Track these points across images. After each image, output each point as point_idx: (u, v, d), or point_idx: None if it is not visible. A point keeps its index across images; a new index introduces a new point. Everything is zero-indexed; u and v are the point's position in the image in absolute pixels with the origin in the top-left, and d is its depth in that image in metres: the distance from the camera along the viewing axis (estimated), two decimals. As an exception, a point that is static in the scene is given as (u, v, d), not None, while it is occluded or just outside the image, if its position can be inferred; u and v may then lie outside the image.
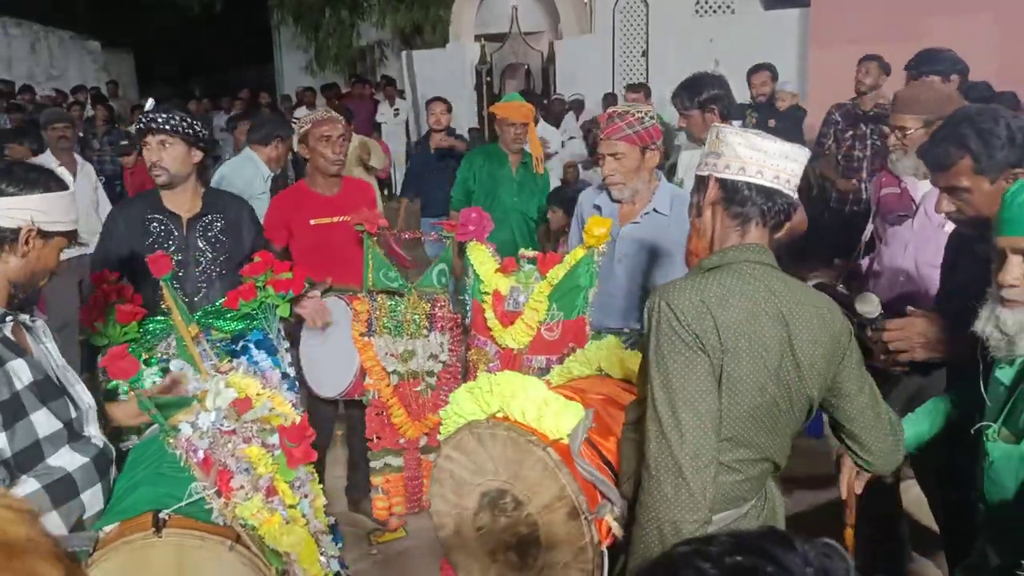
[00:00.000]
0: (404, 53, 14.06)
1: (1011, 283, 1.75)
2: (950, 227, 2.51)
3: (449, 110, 6.21)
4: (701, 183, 1.77)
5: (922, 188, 2.95)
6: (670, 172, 4.11)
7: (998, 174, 2.10)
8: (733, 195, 1.70)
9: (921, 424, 2.15)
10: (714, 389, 1.60)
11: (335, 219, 3.51)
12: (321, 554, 2.15)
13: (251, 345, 2.70)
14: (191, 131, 3.04)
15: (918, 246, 2.96)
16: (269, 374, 2.39)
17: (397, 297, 3.34)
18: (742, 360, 1.61)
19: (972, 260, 2.16)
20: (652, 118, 2.85)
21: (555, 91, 11.46)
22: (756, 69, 7.11)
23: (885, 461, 1.88)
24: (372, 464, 3.48)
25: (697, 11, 11.00)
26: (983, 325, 1.80)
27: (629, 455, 1.79)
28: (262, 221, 3.63)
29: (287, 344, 2.79)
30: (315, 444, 3.70)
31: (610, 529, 1.83)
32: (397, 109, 12.72)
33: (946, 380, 2.44)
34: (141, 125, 3.04)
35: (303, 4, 16.28)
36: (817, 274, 2.91)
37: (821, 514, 3.26)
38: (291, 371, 2.72)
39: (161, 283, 2.55)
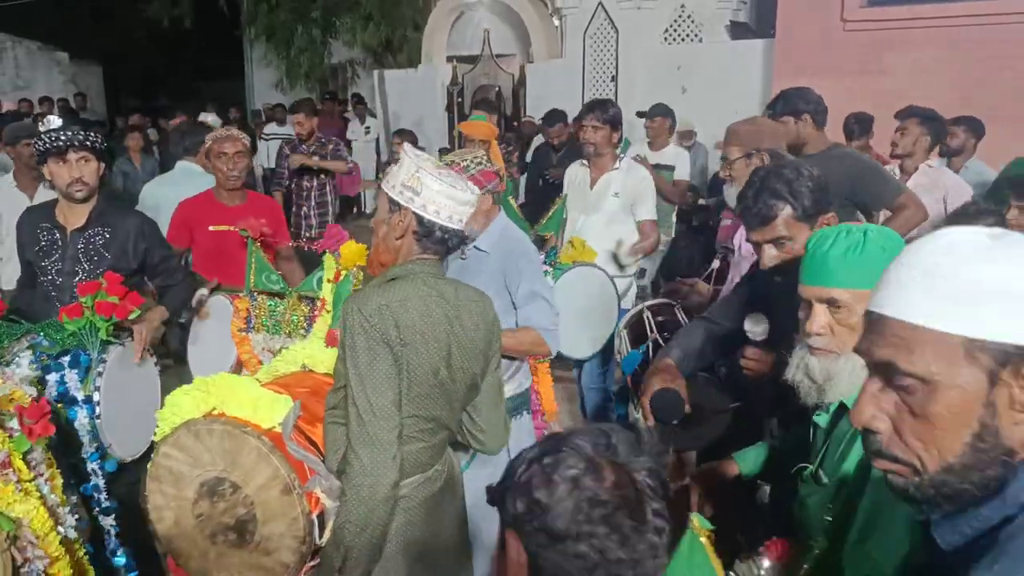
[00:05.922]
0: (376, 72, 14.10)
1: (817, 332, 1.75)
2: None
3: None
4: (396, 206, 2.08)
5: None
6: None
7: (815, 219, 2.20)
8: (429, 233, 2.08)
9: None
10: (396, 375, 1.97)
11: (231, 227, 3.71)
12: (59, 525, 2.39)
13: (65, 363, 2.75)
14: (103, 146, 3.17)
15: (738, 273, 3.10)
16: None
17: (277, 298, 3.62)
18: (419, 351, 2.00)
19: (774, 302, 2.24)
20: (481, 163, 2.87)
21: (525, 113, 11.57)
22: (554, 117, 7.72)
23: (494, 436, 2.31)
24: None
25: (666, 39, 11.19)
26: (793, 372, 1.79)
27: (333, 435, 2.11)
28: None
29: (102, 368, 2.84)
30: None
31: (318, 499, 2.09)
32: (368, 127, 12.79)
33: None
34: (60, 142, 3.05)
35: (275, 21, 16.27)
36: (663, 292, 3.05)
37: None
38: (97, 395, 2.79)
39: None
